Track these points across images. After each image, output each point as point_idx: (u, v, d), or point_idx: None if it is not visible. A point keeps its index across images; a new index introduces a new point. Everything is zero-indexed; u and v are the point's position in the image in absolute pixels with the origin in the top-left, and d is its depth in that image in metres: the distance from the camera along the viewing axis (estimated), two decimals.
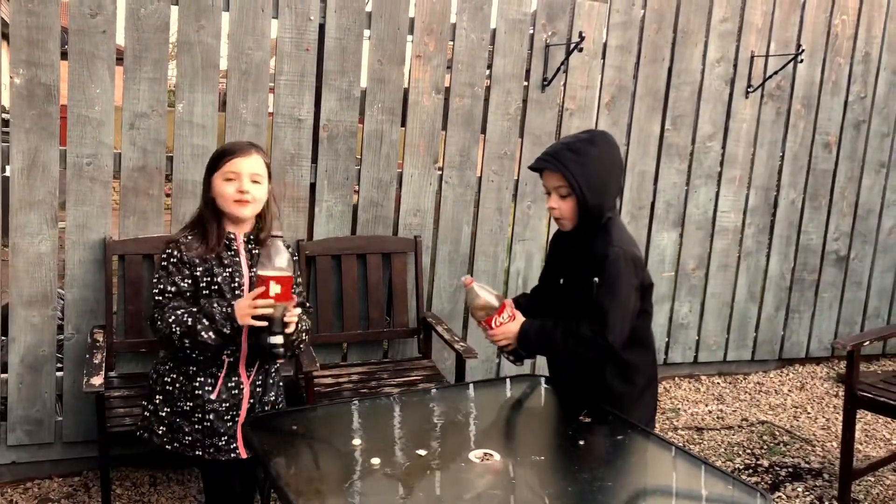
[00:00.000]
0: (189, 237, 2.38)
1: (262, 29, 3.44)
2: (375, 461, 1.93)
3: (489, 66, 3.97)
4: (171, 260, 2.35)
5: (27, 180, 3.18)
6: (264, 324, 2.21)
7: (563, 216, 2.33)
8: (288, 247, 2.31)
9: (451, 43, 3.84)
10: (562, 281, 2.43)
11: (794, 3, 4.60)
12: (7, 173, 3.19)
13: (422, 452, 2.00)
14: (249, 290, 2.32)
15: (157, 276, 2.38)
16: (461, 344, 3.50)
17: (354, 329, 3.73)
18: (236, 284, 2.37)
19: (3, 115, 3.23)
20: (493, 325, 2.38)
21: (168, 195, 3.48)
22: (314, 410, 2.60)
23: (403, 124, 3.83)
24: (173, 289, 2.34)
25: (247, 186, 2.32)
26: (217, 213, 2.38)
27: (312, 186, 3.69)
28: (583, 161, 2.25)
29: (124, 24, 3.26)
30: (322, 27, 3.57)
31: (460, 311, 4.11)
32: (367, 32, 3.67)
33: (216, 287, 2.34)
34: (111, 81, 3.25)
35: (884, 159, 5.06)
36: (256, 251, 2.39)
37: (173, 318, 2.30)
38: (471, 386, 2.60)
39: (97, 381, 2.76)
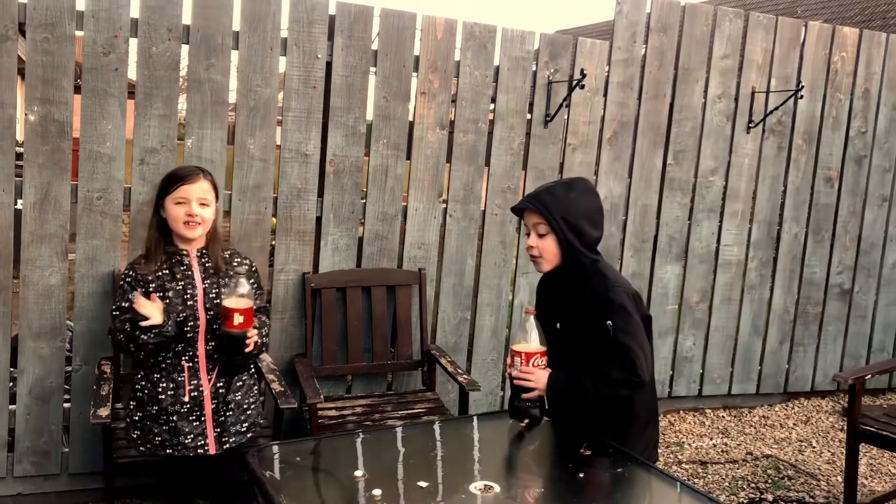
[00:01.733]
0: (143, 258, 2.71)
1: (270, 67, 3.52)
2: (377, 492, 1.95)
3: (493, 102, 4.04)
4: (127, 279, 2.69)
5: (39, 214, 3.24)
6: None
7: (541, 255, 2.41)
8: (254, 270, 2.83)
9: (456, 80, 3.92)
10: (558, 325, 2.46)
11: (793, 40, 4.67)
12: (20, 206, 3.26)
13: (423, 484, 2.01)
14: (204, 301, 2.67)
15: (115, 296, 2.75)
16: (465, 377, 3.52)
17: (359, 361, 3.75)
18: (188, 296, 2.66)
19: (17, 150, 3.31)
20: (531, 363, 2.34)
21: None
22: (317, 441, 2.62)
23: (408, 159, 3.89)
24: (126, 304, 2.65)
25: (196, 210, 2.63)
26: (165, 231, 2.69)
27: (318, 220, 3.74)
28: (560, 201, 2.36)
29: (136, 62, 3.34)
30: (329, 65, 3.65)
31: (464, 344, 4.14)
32: (373, 70, 3.75)
33: (168, 301, 2.62)
34: (122, 118, 3.33)
35: (886, 193, 5.09)
36: (209, 264, 2.71)
37: (117, 326, 2.66)
38: (474, 419, 2.62)
39: (104, 412, 2.80)
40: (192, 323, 2.66)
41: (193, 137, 3.44)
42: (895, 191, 5.11)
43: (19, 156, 3.30)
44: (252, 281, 2.74)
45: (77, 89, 3.25)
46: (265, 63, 3.51)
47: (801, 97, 4.64)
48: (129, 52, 3.32)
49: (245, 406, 2.81)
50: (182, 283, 2.67)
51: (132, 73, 3.40)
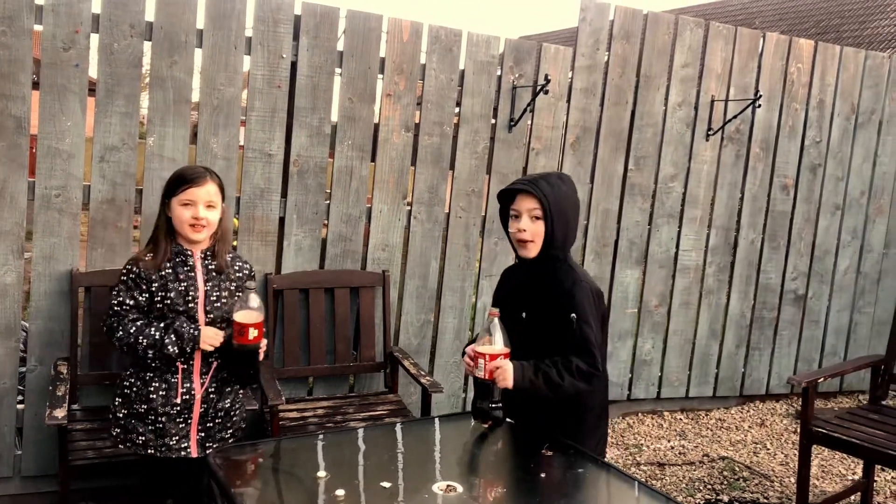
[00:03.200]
0: (148, 255, 2.62)
1: (234, 65, 3.50)
2: (340, 493, 1.95)
3: (458, 106, 4.06)
4: (130, 276, 2.60)
5: None
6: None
7: (534, 238, 2.44)
8: (252, 275, 2.78)
9: (421, 82, 3.93)
10: (524, 315, 2.49)
11: (751, 50, 4.78)
12: None
13: (386, 484, 2.02)
14: (205, 303, 2.62)
15: (116, 289, 2.62)
16: (427, 378, 3.53)
17: (321, 363, 3.74)
18: (190, 297, 2.60)
19: None
20: (495, 361, 2.34)
21: (136, 227, 3.49)
22: (279, 442, 2.61)
23: (373, 160, 3.89)
24: (131, 302, 2.59)
25: (202, 213, 2.58)
26: (171, 231, 2.62)
27: (282, 220, 3.72)
28: (555, 192, 2.44)
29: (97, 59, 3.29)
30: (294, 65, 3.63)
31: (427, 346, 4.15)
32: (338, 71, 3.75)
33: (169, 301, 2.57)
34: (82, 114, 3.28)
35: (838, 202, 5.23)
36: (212, 266, 2.65)
37: (135, 329, 2.57)
38: (436, 420, 2.63)
39: (60, 413, 2.75)
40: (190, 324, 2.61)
41: (155, 136, 3.40)
42: (847, 199, 5.25)
43: None
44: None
45: (35, 85, 3.19)
46: (229, 62, 3.49)
47: (759, 106, 4.74)
48: (90, 48, 3.27)
49: (232, 413, 2.77)
50: (185, 283, 2.61)
51: (93, 70, 3.35)
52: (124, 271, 2.61)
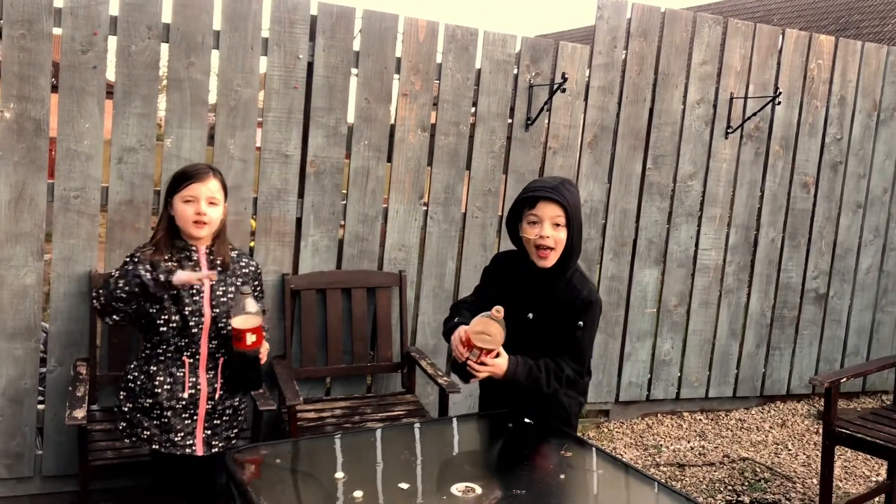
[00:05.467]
0: (149, 249, 2.62)
1: (251, 66, 3.50)
2: (358, 494, 1.94)
3: (474, 105, 4.04)
4: (133, 259, 2.58)
5: (14, 213, 3.19)
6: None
7: (556, 246, 2.42)
8: (259, 272, 2.82)
9: (437, 82, 3.92)
10: (531, 316, 2.47)
11: (770, 47, 4.73)
12: None
13: (404, 486, 2.01)
14: (210, 297, 2.61)
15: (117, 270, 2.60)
16: (444, 379, 3.51)
17: (338, 363, 3.74)
18: (195, 291, 2.60)
19: None
20: (488, 358, 2.34)
21: (154, 228, 3.50)
22: (297, 443, 2.60)
23: (389, 161, 3.88)
24: (130, 268, 2.54)
25: (204, 209, 2.58)
26: (174, 229, 2.63)
27: (298, 221, 3.72)
28: (574, 200, 2.44)
29: (115, 61, 3.31)
30: (310, 65, 3.63)
31: (444, 346, 4.13)
32: (354, 71, 3.74)
33: (175, 292, 2.55)
34: (100, 116, 3.29)
35: (860, 200, 5.16)
36: (217, 260, 2.65)
37: (116, 273, 2.56)
38: (454, 420, 2.61)
39: (80, 413, 2.76)
40: (196, 318, 2.60)
41: (173, 137, 3.41)
42: (869, 197, 5.19)
43: None
44: (256, 283, 2.78)
45: (55, 88, 3.21)
46: (246, 63, 3.49)
47: (779, 103, 4.69)
48: (107, 51, 3.29)
49: (239, 412, 2.77)
50: None
51: (111, 72, 3.37)
52: (125, 260, 2.60)
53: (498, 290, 2.54)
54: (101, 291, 2.57)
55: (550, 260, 2.43)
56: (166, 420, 2.61)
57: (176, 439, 2.61)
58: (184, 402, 2.61)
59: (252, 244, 3.71)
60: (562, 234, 2.41)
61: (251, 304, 2.48)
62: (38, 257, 3.26)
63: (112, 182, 3.35)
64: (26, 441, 3.33)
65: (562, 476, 2.17)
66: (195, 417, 2.63)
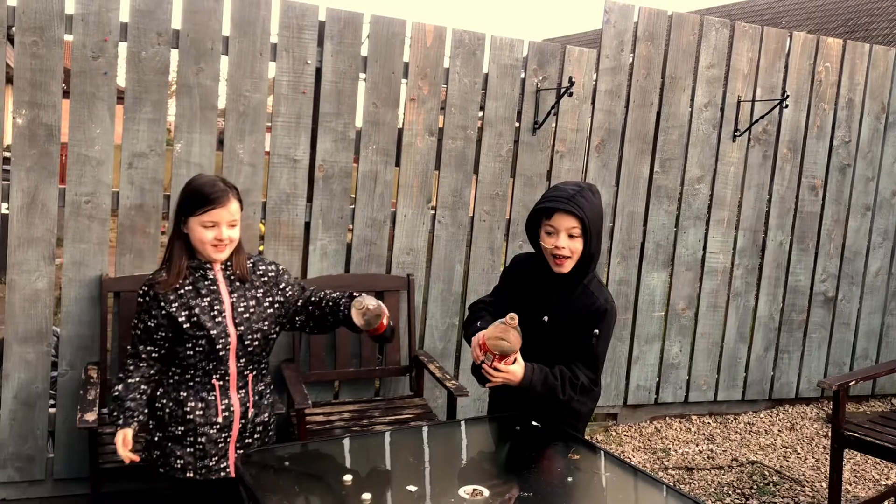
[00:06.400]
0: (163, 274, 2.48)
1: (259, 72, 3.53)
2: (366, 496, 1.95)
3: (481, 109, 4.06)
4: (146, 298, 2.47)
5: (26, 218, 3.23)
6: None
7: (572, 255, 2.43)
8: (282, 270, 2.64)
9: (445, 86, 3.94)
10: (546, 319, 2.48)
11: (778, 50, 4.73)
12: (6, 211, 3.24)
13: (412, 488, 2.02)
14: (233, 315, 2.47)
15: (136, 311, 2.51)
16: (453, 382, 3.53)
17: (346, 367, 3.75)
18: (216, 312, 2.46)
19: (5, 154, 3.30)
20: (502, 364, 2.33)
21: (164, 233, 3.53)
22: (305, 446, 2.62)
23: (397, 165, 3.90)
24: (142, 325, 2.47)
25: (226, 234, 2.44)
26: (188, 248, 2.48)
27: (307, 225, 3.74)
28: (592, 208, 2.42)
29: (125, 67, 3.34)
30: (319, 70, 3.66)
31: (452, 350, 4.14)
32: (362, 76, 3.76)
33: (195, 319, 2.43)
34: (111, 122, 3.33)
35: (869, 202, 5.15)
36: (235, 276, 2.51)
37: (123, 386, 2.46)
38: (462, 423, 2.62)
39: (91, 416, 2.78)
40: (223, 340, 2.46)
41: (182, 142, 3.44)
42: (878, 199, 5.17)
43: (6, 160, 3.29)
44: (283, 285, 2.61)
45: (66, 94, 3.24)
46: (255, 68, 3.52)
47: (787, 106, 4.69)
48: (118, 56, 3.32)
49: (269, 428, 2.68)
50: (208, 298, 2.46)
51: (121, 78, 3.40)
52: (140, 293, 2.49)
53: (515, 292, 2.57)
54: (114, 411, 2.48)
55: (566, 267, 2.44)
56: (201, 446, 2.49)
57: (210, 464, 2.51)
58: (218, 426, 2.50)
59: (261, 248, 3.73)
60: (577, 245, 2.41)
61: (368, 300, 2.43)
62: (49, 262, 3.29)
63: (122, 187, 3.38)
64: (38, 444, 3.35)
65: (570, 479, 2.18)
66: (228, 440, 2.53)
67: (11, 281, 3.25)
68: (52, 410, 3.39)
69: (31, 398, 3.32)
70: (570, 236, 2.40)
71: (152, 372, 2.51)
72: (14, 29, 3.14)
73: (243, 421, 2.54)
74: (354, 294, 2.53)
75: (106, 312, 3.34)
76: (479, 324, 2.45)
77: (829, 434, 4.66)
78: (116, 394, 2.45)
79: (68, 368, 3.36)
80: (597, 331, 2.44)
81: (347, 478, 2.06)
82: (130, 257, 3.42)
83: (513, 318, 2.25)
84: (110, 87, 3.30)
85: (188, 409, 2.48)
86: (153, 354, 2.49)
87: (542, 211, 2.45)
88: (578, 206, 2.39)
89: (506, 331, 2.27)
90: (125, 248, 3.42)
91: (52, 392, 3.42)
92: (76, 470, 3.36)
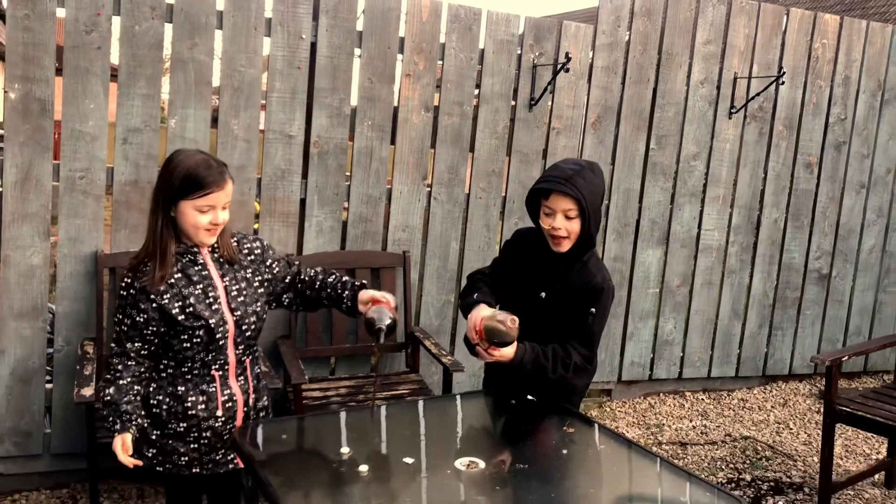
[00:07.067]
0: (148, 264, 2.24)
1: (254, 47, 3.50)
2: (363, 468, 1.97)
3: (477, 86, 4.04)
4: (130, 291, 2.24)
5: (20, 193, 3.21)
6: None
7: (569, 235, 2.42)
8: (267, 246, 2.46)
9: (441, 62, 3.92)
10: (543, 295, 2.49)
11: (775, 26, 4.71)
12: (0, 187, 3.23)
13: (409, 461, 2.03)
14: (228, 301, 2.29)
15: (117, 309, 2.30)
16: (448, 358, 3.54)
17: (343, 343, 3.77)
18: (211, 300, 2.27)
19: None
20: (496, 350, 2.35)
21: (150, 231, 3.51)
22: (302, 420, 2.63)
23: (393, 142, 3.89)
24: (128, 321, 2.25)
25: (221, 218, 2.25)
26: (176, 232, 2.25)
27: (303, 202, 3.74)
28: (591, 189, 2.40)
29: (119, 41, 3.31)
30: (314, 46, 3.63)
31: (448, 326, 4.16)
32: (357, 51, 3.74)
33: (191, 308, 2.23)
34: (105, 97, 3.30)
35: (863, 180, 5.16)
36: (224, 258, 2.33)
37: (115, 389, 2.24)
38: (457, 397, 2.64)
39: (88, 391, 2.79)
40: (221, 329, 2.28)
41: (177, 118, 3.42)
42: (873, 177, 5.18)
43: (0, 136, 3.27)
44: (271, 261, 2.45)
45: (59, 71, 3.21)
46: (249, 43, 3.49)
47: (783, 83, 4.68)
48: (111, 31, 3.29)
49: (269, 412, 2.55)
50: (201, 285, 2.27)
51: (115, 56, 3.37)
52: (123, 285, 2.25)
53: (515, 266, 2.57)
54: (104, 393, 2.27)
55: (564, 247, 2.45)
56: (206, 441, 2.33)
57: (218, 458, 2.36)
58: (223, 419, 2.34)
59: (256, 226, 3.73)
60: (574, 226, 2.40)
61: (383, 312, 2.30)
62: (44, 237, 3.28)
63: (117, 163, 3.37)
64: (35, 419, 3.36)
65: (564, 451, 2.20)
66: (233, 430, 2.36)
67: (6, 257, 3.24)
68: (48, 386, 3.39)
69: (27, 374, 3.32)
70: (568, 217, 2.39)
71: (142, 370, 2.29)
72: (6, 3, 3.11)
73: (246, 409, 2.40)
74: (356, 284, 2.41)
75: (101, 288, 3.34)
76: (475, 296, 2.46)
77: (822, 410, 4.70)
78: (108, 398, 2.24)
79: (64, 344, 3.36)
80: (593, 309, 2.44)
81: (345, 450, 2.07)
82: (126, 233, 3.42)
83: (514, 320, 2.26)
84: (104, 62, 3.28)
85: (189, 403, 2.30)
86: (142, 351, 2.27)
87: (541, 190, 2.45)
88: (576, 186, 2.36)
89: (504, 332, 2.27)
90: (120, 224, 3.41)
91: (48, 368, 3.42)
92: (73, 445, 3.38)
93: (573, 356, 2.44)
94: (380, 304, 2.33)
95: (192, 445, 2.33)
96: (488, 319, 2.31)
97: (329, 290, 2.46)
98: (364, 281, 2.47)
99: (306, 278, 2.50)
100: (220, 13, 3.44)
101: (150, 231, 2.25)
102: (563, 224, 2.40)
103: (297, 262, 2.56)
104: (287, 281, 2.49)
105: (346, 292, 2.43)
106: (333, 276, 2.49)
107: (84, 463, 3.25)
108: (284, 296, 2.49)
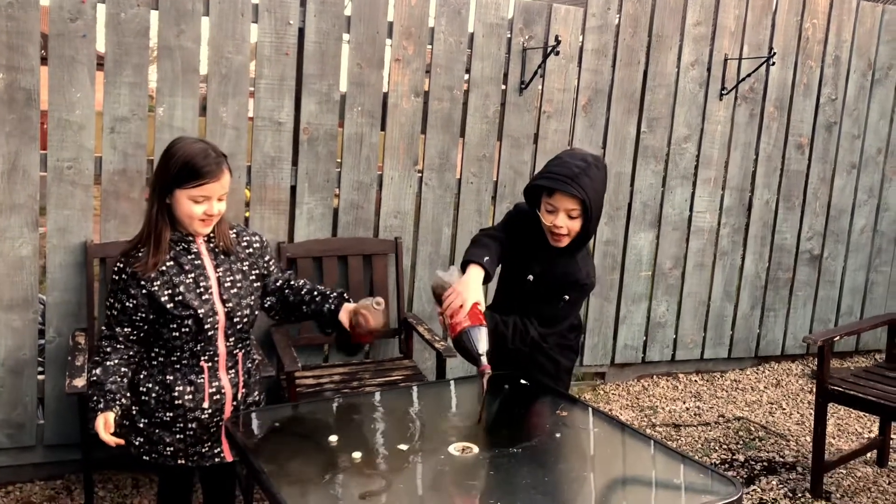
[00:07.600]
0: (142, 250, 2.23)
1: (241, 33, 3.47)
2: (357, 455, 1.96)
3: (467, 70, 4.02)
4: (122, 276, 2.22)
5: (8, 184, 3.19)
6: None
7: (570, 233, 2.42)
8: (265, 244, 2.46)
9: (430, 47, 3.89)
10: (531, 278, 2.49)
11: (765, 6, 4.69)
12: None
13: (403, 447, 2.04)
14: (220, 291, 2.27)
15: (109, 288, 2.28)
16: (442, 343, 3.54)
17: None
18: (202, 289, 2.25)
19: None
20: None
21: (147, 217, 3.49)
22: (296, 407, 2.63)
23: (383, 127, 3.87)
24: (119, 306, 2.23)
25: (216, 209, 2.23)
26: (171, 220, 2.24)
27: (293, 189, 3.72)
28: (595, 188, 2.39)
29: (104, 29, 3.28)
30: (302, 31, 3.60)
31: None
32: (346, 36, 3.71)
33: (180, 297, 2.21)
34: (91, 85, 3.27)
35: (854, 160, 5.16)
36: (219, 248, 2.31)
37: (101, 369, 2.22)
38: (451, 383, 2.64)
39: (80, 382, 2.78)
40: (211, 319, 2.25)
41: (165, 106, 3.40)
42: (863, 157, 5.19)
43: None
44: (268, 258, 2.45)
45: (44, 61, 3.18)
46: (236, 30, 3.46)
47: (773, 64, 4.67)
48: (96, 19, 3.26)
49: (261, 406, 2.54)
50: (193, 274, 2.24)
51: (101, 44, 3.33)
52: (116, 269, 2.24)
53: (512, 242, 2.57)
54: (92, 373, 2.25)
55: (563, 243, 2.45)
56: (191, 432, 2.31)
57: (204, 450, 2.35)
58: (210, 411, 2.32)
59: (247, 214, 3.71)
60: (576, 224, 2.40)
61: (376, 315, 2.36)
62: (33, 228, 3.26)
63: (105, 152, 3.34)
64: (27, 411, 3.35)
65: (558, 435, 2.20)
66: (220, 424, 2.35)
67: None
68: (40, 377, 3.38)
69: (18, 365, 3.31)
70: (570, 217, 2.38)
71: (131, 353, 2.27)
72: None
73: (235, 403, 2.37)
74: (344, 293, 2.45)
75: (92, 279, 3.33)
76: (473, 249, 2.47)
77: (814, 390, 4.73)
78: (95, 378, 2.22)
79: (55, 335, 3.35)
80: (567, 297, 2.48)
81: (338, 437, 2.07)
82: (115, 223, 3.40)
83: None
84: (89, 50, 3.24)
85: (176, 393, 2.28)
86: (131, 337, 2.25)
87: (545, 187, 2.41)
88: (581, 187, 2.33)
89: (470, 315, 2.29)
90: (109, 214, 3.39)
91: (39, 359, 3.41)
92: (67, 436, 3.37)
93: (531, 331, 2.48)
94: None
95: (177, 436, 2.31)
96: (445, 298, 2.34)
97: (315, 294, 2.47)
98: (347, 294, 2.48)
99: (295, 284, 2.50)
100: (206, 0, 3.40)
101: (146, 217, 2.25)
102: (566, 223, 2.39)
103: (289, 272, 2.58)
104: (277, 284, 2.48)
105: (333, 294, 2.46)
106: (322, 287, 2.52)
107: (78, 453, 3.24)
108: (267, 299, 2.47)
